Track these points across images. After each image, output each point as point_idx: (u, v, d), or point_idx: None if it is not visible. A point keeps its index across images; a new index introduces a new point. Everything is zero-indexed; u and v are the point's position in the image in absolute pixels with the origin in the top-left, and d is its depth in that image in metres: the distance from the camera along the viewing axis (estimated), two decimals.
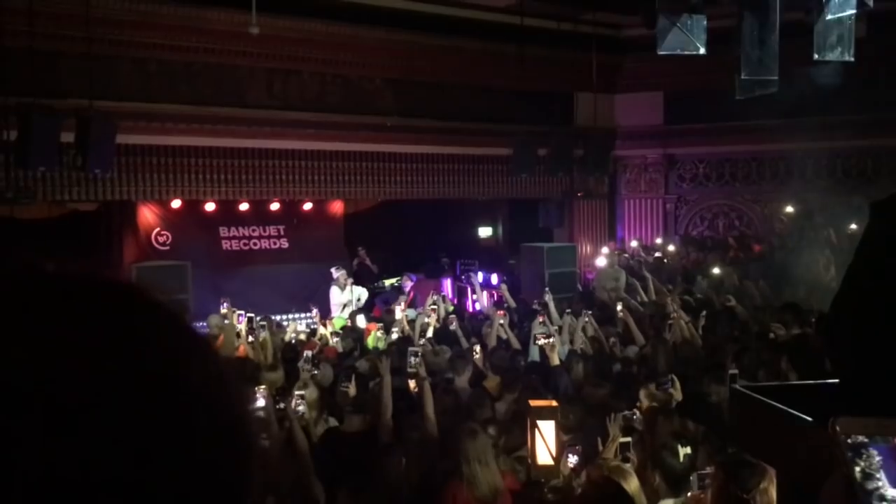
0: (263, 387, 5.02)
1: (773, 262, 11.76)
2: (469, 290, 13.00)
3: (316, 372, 6.41)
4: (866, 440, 0.77)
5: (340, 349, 8.13)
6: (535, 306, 9.29)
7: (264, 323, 8.31)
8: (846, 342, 1.58)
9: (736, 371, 5.48)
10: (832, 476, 0.81)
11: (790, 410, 1.47)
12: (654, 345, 7.25)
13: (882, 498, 0.73)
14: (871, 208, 1.46)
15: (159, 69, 10.88)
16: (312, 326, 10.14)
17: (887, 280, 1.42)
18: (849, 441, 0.78)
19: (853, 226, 11.02)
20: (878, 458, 0.76)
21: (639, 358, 7.18)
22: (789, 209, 13.75)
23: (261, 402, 4.84)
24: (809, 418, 1.33)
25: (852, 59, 5.52)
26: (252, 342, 7.89)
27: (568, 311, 8.66)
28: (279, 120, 11.65)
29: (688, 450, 4.13)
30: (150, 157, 11.07)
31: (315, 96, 12.08)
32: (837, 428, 0.80)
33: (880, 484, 0.74)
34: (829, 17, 5.28)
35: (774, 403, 1.59)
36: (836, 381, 1.61)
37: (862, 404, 1.39)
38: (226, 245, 13.62)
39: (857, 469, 0.76)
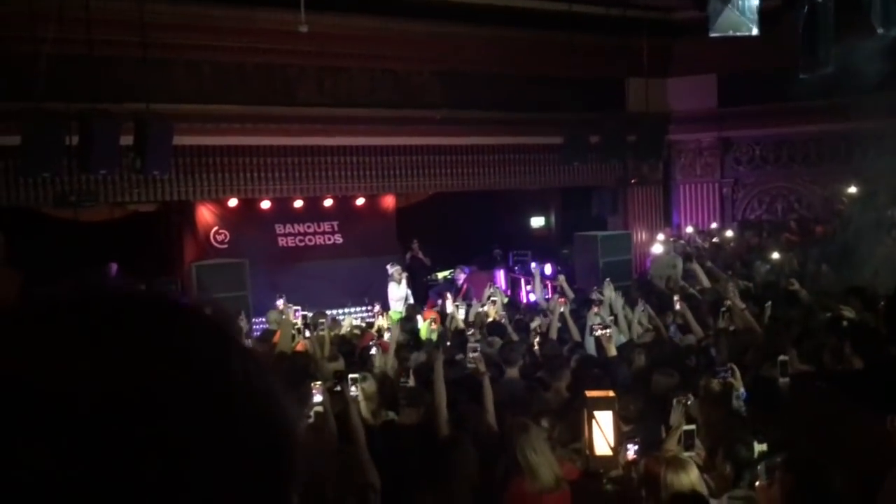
0: (319, 382, 5.09)
1: (836, 245, 11.43)
2: (523, 281, 12.95)
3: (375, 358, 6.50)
4: None
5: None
6: (594, 296, 9.20)
7: (323, 320, 8.44)
8: None
9: (787, 359, 5.34)
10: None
11: (850, 397, 1.44)
12: (716, 335, 7.11)
13: None
14: None
15: (212, 71, 11.10)
16: (369, 320, 10.24)
17: None
18: None
19: None
20: None
21: (699, 348, 7.05)
22: (851, 190, 13.34)
23: (318, 398, 4.89)
24: (869, 405, 1.30)
25: None
26: (309, 337, 8.00)
27: (623, 299, 8.55)
28: (330, 117, 11.78)
29: (763, 446, 4.05)
30: (205, 157, 11.31)
31: (365, 92, 12.18)
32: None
33: None
34: None
35: (835, 390, 1.55)
36: None
37: None
38: (282, 242, 13.81)
39: None
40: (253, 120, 11.29)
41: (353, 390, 5.04)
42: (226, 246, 13.04)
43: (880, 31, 5.49)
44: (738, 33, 5.40)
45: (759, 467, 3.64)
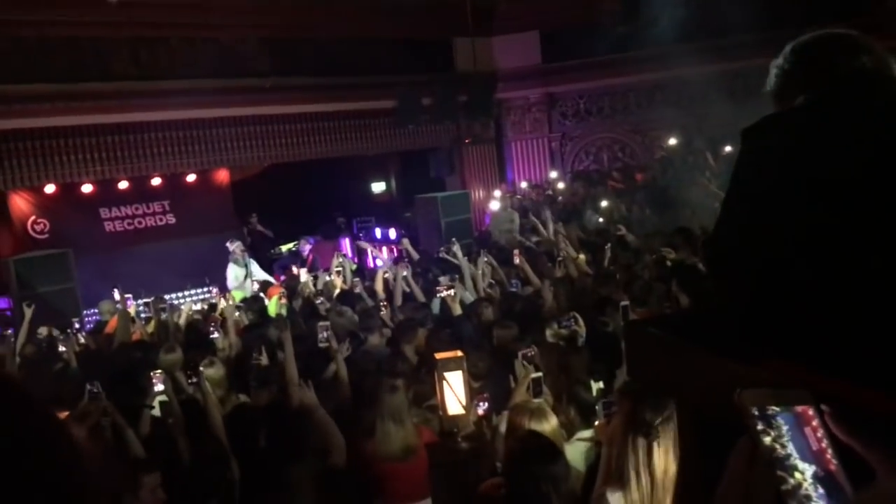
0: (160, 371, 4.89)
1: (657, 189, 12.11)
2: (369, 247, 12.91)
3: (221, 347, 6.32)
4: (776, 409, 0.78)
5: (246, 321, 7.92)
6: (442, 254, 9.30)
7: (164, 305, 8.10)
8: (726, 266, 1.62)
9: (626, 302, 5.64)
10: (743, 439, 0.82)
11: (682, 340, 1.49)
12: (553, 284, 7.36)
13: (793, 468, 0.75)
14: (742, 134, 1.48)
15: (14, 48, 10.16)
16: (212, 301, 9.88)
17: (760, 204, 1.47)
18: (756, 412, 0.78)
19: (728, 148, 11.48)
20: (785, 428, 0.77)
21: (538, 298, 7.28)
22: (670, 136, 14.15)
23: (160, 387, 4.72)
24: (701, 347, 1.35)
25: None
26: (157, 322, 7.68)
27: (464, 256, 8.70)
28: (149, 91, 11.11)
29: (601, 384, 4.25)
30: (14, 142, 10.43)
31: (185, 63, 11.56)
32: (744, 400, 0.80)
33: (789, 453, 0.76)
34: None
35: (666, 334, 1.61)
36: (722, 305, 1.67)
37: (745, 328, 1.44)
38: (108, 227, 13.06)
39: (767, 439, 0.77)
40: (63, 98, 10.46)
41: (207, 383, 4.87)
42: (46, 236, 12.20)
43: None
44: None
45: (597, 406, 3.80)
